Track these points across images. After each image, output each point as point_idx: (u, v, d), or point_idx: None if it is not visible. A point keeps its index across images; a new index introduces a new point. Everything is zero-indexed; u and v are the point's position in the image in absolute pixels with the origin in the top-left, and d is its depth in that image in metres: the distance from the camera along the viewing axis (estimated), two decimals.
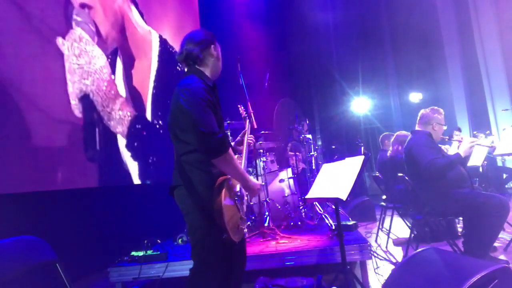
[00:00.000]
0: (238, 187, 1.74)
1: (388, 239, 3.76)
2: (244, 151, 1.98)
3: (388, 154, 4.23)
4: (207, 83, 1.70)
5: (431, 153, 2.69)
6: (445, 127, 2.98)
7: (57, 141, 3.20)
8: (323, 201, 3.82)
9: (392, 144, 4.15)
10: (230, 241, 1.58)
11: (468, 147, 2.68)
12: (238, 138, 2.11)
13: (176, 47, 5.66)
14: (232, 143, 2.10)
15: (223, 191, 1.58)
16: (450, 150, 3.57)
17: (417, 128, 3.05)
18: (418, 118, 3.06)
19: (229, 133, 3.88)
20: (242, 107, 2.63)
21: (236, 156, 1.84)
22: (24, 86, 2.88)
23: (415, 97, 9.01)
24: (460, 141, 2.86)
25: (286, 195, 4.06)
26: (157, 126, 4.96)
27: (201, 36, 1.78)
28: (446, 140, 3.08)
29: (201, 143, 1.53)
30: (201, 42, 1.76)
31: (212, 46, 1.79)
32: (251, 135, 2.13)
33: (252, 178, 1.75)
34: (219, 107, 1.75)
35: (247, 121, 2.26)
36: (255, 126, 3.01)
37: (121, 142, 4.17)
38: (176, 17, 6.15)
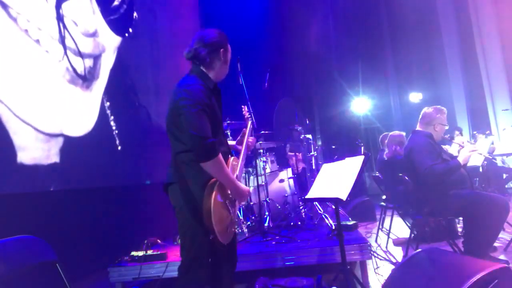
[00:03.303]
0: None
1: (388, 239, 3.76)
2: (242, 152, 1.98)
3: (384, 155, 4.19)
4: (207, 86, 1.69)
5: (430, 158, 2.67)
6: (446, 127, 2.95)
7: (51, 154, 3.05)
8: (323, 201, 3.82)
9: (387, 145, 4.10)
10: (218, 242, 1.59)
11: (468, 155, 2.66)
12: (239, 138, 2.11)
13: (175, 46, 5.63)
14: (234, 142, 2.10)
15: (214, 191, 1.58)
16: (450, 150, 3.57)
17: (418, 127, 3.01)
18: (420, 117, 3.00)
19: (229, 133, 3.88)
20: (246, 107, 2.63)
21: (232, 158, 1.83)
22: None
23: (415, 97, 9.01)
24: (461, 146, 2.83)
25: (286, 195, 4.06)
26: (156, 126, 4.95)
27: (213, 38, 1.75)
28: (447, 139, 3.06)
29: (191, 145, 1.56)
30: (211, 45, 1.73)
31: (222, 50, 1.76)
32: (252, 137, 2.13)
33: (241, 184, 1.74)
34: (219, 110, 1.75)
35: (250, 121, 2.26)
36: (255, 126, 3.01)
37: (120, 141, 4.15)
38: (176, 17, 6.14)
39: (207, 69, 1.76)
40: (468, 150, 2.67)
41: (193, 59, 1.75)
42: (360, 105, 9.09)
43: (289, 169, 4.25)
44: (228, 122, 3.86)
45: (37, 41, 3.00)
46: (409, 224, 3.53)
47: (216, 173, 1.61)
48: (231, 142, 2.04)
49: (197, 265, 1.64)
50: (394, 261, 3.17)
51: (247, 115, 2.40)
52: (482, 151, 3.28)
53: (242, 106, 2.66)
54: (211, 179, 1.62)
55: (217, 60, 1.76)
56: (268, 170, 4.16)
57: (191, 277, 1.64)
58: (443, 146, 3.23)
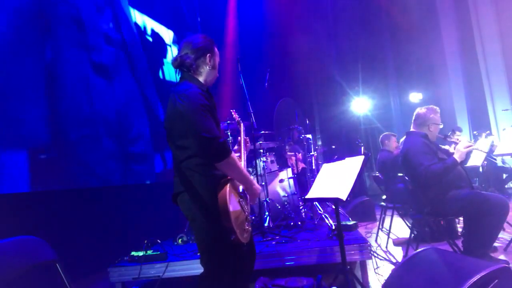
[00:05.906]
0: (241, 188, 1.74)
1: (388, 239, 3.76)
2: (243, 153, 1.99)
3: (394, 153, 4.26)
4: (202, 89, 1.69)
5: (426, 159, 2.67)
6: (441, 126, 2.94)
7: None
8: (323, 201, 3.82)
9: (402, 143, 4.18)
10: (238, 242, 1.57)
11: (464, 152, 2.62)
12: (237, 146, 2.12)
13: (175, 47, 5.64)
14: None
15: (227, 192, 1.57)
16: (451, 149, 3.57)
17: (412, 129, 3.01)
18: (413, 118, 3.00)
19: (229, 133, 3.88)
20: (235, 111, 2.64)
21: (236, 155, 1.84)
22: None
23: (415, 97, 9.00)
24: (456, 143, 2.83)
25: (286, 195, 4.06)
26: (155, 126, 4.95)
27: (198, 43, 1.75)
28: (442, 138, 3.06)
29: (204, 148, 1.52)
30: (197, 50, 1.73)
31: (208, 55, 1.75)
32: (246, 137, 2.14)
33: (254, 181, 1.75)
34: (216, 112, 1.75)
35: (241, 124, 2.27)
36: (255, 126, 3.03)
37: (120, 142, 4.15)
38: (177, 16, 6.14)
39: (195, 75, 1.75)
40: (462, 146, 2.63)
41: (180, 67, 1.75)
42: (360, 105, 9.09)
43: (289, 169, 4.25)
44: (228, 122, 3.86)
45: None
46: (409, 224, 3.53)
47: (232, 171, 1.61)
48: None
49: (219, 273, 1.61)
50: (394, 261, 3.17)
51: (238, 118, 2.41)
52: (479, 146, 3.24)
53: (231, 111, 2.67)
54: (219, 181, 1.60)
55: (204, 65, 1.75)
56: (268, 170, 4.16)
57: (216, 285, 1.61)
58: (444, 147, 3.23)
